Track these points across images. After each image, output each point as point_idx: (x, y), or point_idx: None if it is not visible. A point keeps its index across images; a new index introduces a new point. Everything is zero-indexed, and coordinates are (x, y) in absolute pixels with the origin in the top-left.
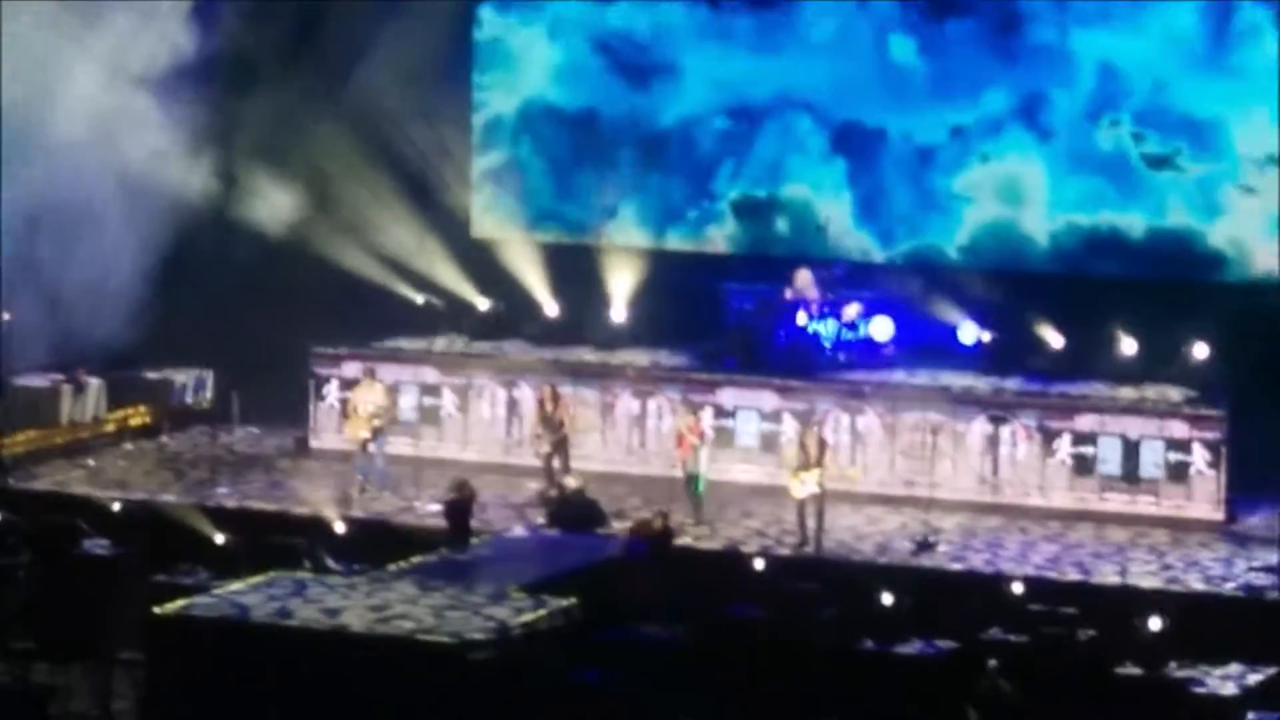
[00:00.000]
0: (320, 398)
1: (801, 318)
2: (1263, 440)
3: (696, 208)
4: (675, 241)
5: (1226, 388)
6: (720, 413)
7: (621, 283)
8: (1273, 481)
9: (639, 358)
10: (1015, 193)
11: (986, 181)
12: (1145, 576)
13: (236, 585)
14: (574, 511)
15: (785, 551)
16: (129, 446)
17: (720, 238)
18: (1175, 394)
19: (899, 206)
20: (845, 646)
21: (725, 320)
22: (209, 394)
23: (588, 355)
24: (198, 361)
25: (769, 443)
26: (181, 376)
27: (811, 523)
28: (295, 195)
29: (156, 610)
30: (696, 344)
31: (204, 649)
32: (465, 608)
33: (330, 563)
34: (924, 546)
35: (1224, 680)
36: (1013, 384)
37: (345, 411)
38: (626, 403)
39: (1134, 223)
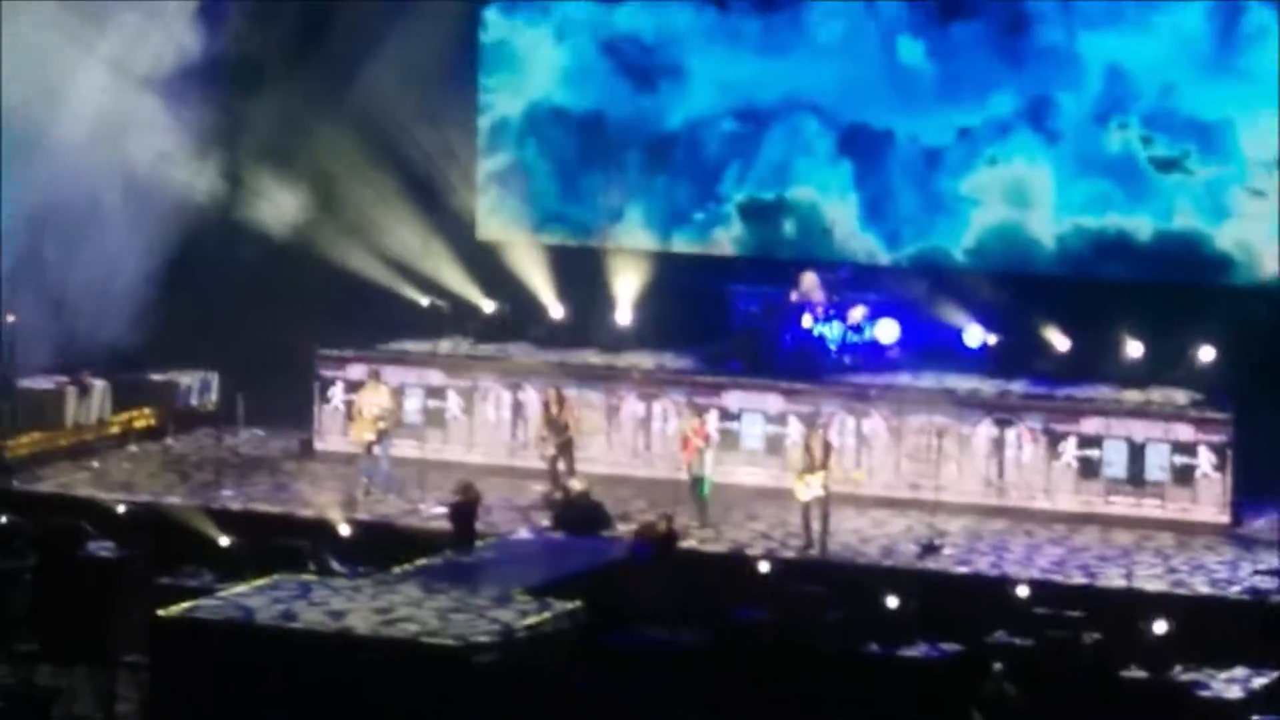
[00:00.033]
0: (325, 400)
1: (807, 320)
2: (1268, 443)
3: (703, 210)
4: (681, 244)
5: (1232, 391)
6: (725, 415)
7: (627, 285)
8: (1278, 485)
9: (644, 360)
10: (1022, 195)
11: (993, 184)
12: (1151, 579)
13: (241, 587)
14: (579, 514)
15: (790, 554)
16: (134, 449)
17: (727, 240)
18: (1181, 397)
19: (905, 209)
20: (850, 649)
21: (731, 323)
22: (214, 396)
23: (593, 358)
24: (203, 363)
25: (774, 445)
26: (186, 378)
27: (816, 525)
28: (300, 197)
29: (161, 612)
30: (702, 346)
31: (208, 651)
32: (470, 610)
33: (335, 565)
34: (929, 549)
35: (1229, 683)
36: (1018, 387)
37: (350, 414)
38: (632, 405)
39: (1141, 225)
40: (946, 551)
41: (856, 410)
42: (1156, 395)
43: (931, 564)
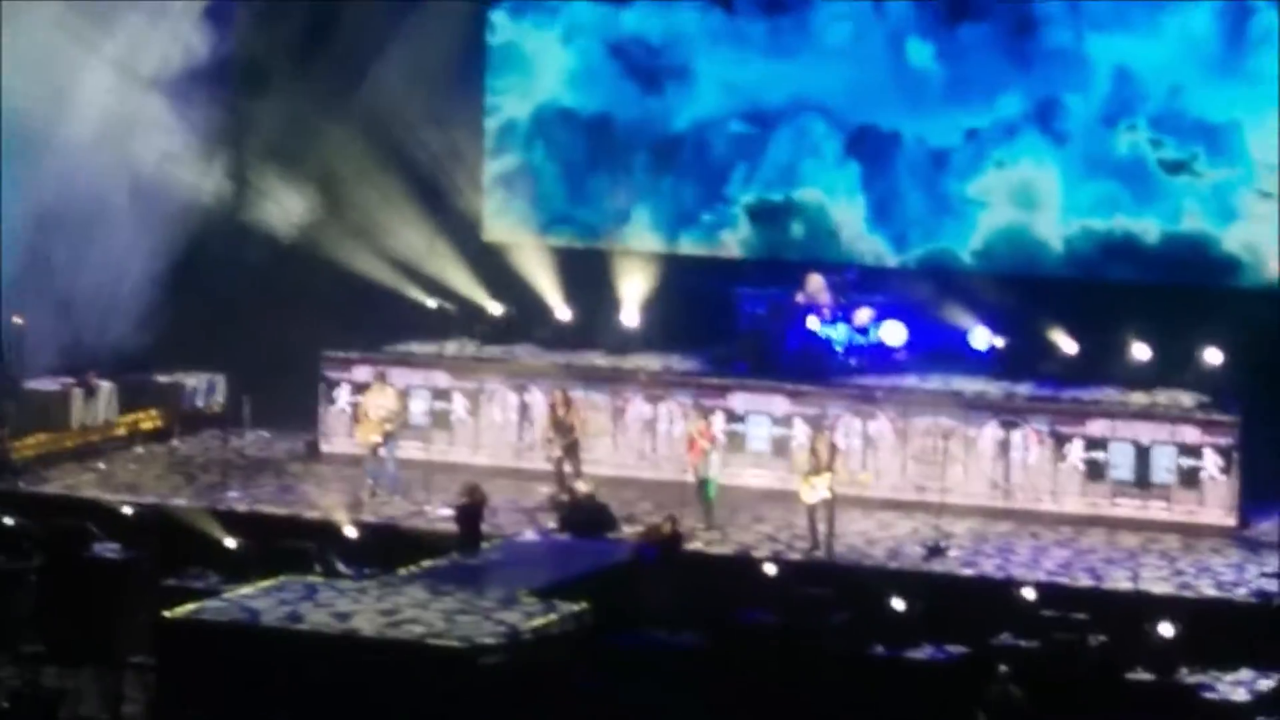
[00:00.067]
0: (331, 402)
1: (813, 322)
2: (1275, 446)
3: (710, 212)
4: (688, 246)
5: (1239, 393)
6: (731, 417)
7: (633, 287)
8: None
9: (650, 362)
10: (1029, 197)
11: (1001, 186)
12: (1157, 582)
13: (247, 589)
14: (585, 516)
15: (796, 556)
16: (140, 450)
17: (734, 242)
18: (1187, 399)
19: (913, 211)
20: (856, 651)
21: (737, 325)
22: (220, 398)
23: (599, 360)
24: (209, 365)
25: (780, 447)
26: (192, 380)
27: (822, 528)
28: (307, 198)
29: (167, 614)
30: (708, 348)
31: (214, 653)
32: (476, 612)
33: (341, 567)
34: (935, 552)
35: (1235, 686)
36: (1025, 389)
37: (356, 415)
38: (638, 407)
39: (1148, 228)
40: (952, 554)
41: (862, 412)
42: (1163, 398)
43: (937, 566)
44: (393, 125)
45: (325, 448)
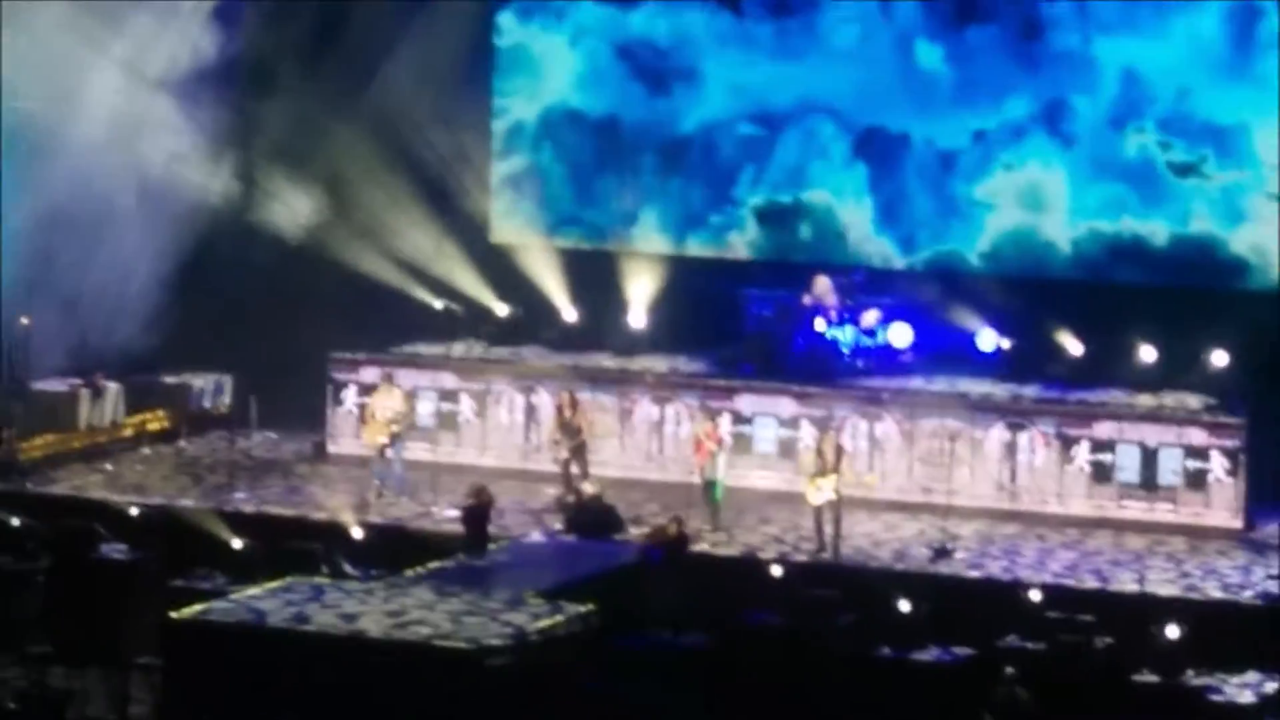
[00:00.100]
0: (338, 403)
1: (820, 324)
2: None
3: (717, 213)
4: (695, 247)
5: (1246, 395)
6: (738, 419)
7: (641, 288)
8: None
9: (658, 364)
10: (1037, 199)
11: (1008, 188)
12: (1163, 584)
13: (254, 590)
14: (592, 517)
15: (802, 558)
16: (147, 451)
17: (741, 243)
18: (1194, 401)
19: (920, 213)
20: (862, 653)
21: (744, 326)
22: (227, 399)
23: (606, 361)
24: (216, 366)
25: (787, 449)
26: (200, 381)
27: (828, 529)
28: (314, 199)
29: (174, 615)
30: (715, 350)
31: (221, 654)
32: (482, 613)
33: (347, 568)
34: (941, 553)
35: (1241, 688)
36: (1031, 391)
37: (363, 417)
38: (645, 409)
39: (1156, 230)
40: (958, 555)
41: (869, 414)
42: (1169, 400)
43: (944, 568)
44: (400, 126)
45: (332, 449)
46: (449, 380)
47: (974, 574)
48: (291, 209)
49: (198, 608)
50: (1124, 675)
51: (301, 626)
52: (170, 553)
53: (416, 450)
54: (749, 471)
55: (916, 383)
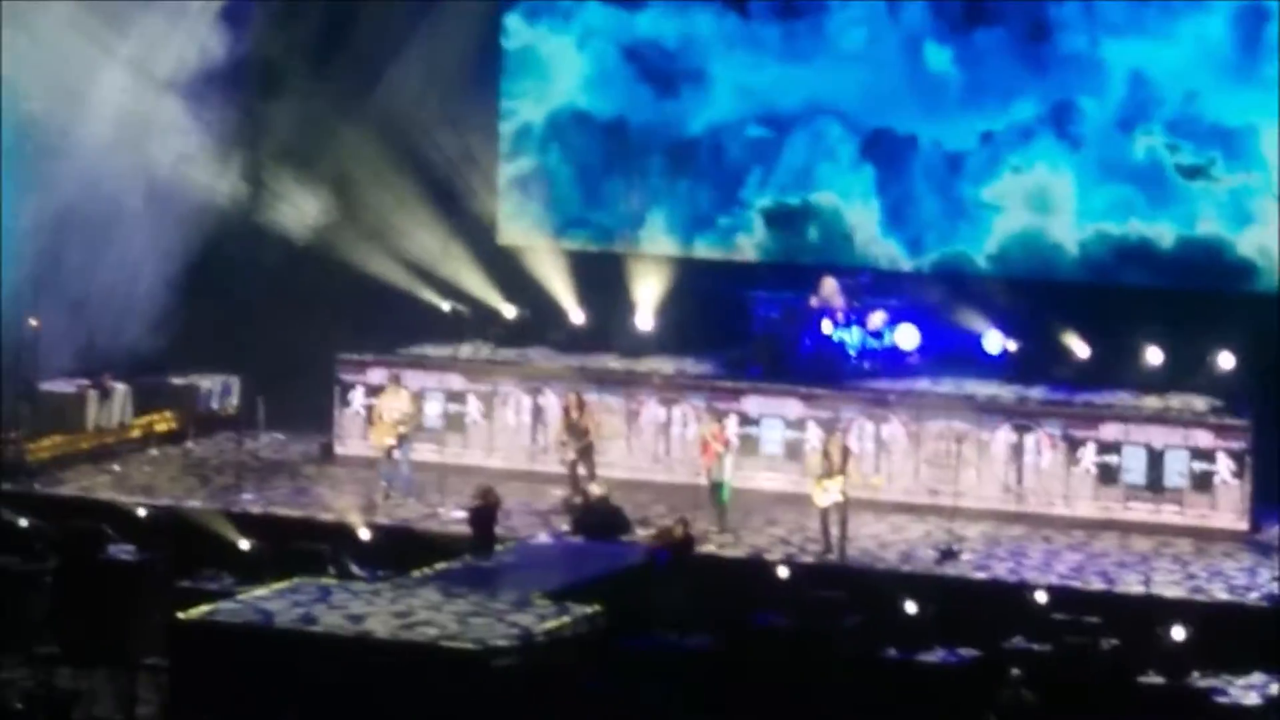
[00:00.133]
0: (345, 404)
1: (827, 326)
2: None
3: (725, 215)
4: (703, 249)
5: (1252, 398)
6: (745, 420)
7: (648, 290)
8: None
9: (664, 365)
10: (1044, 201)
11: (1016, 190)
12: (1169, 586)
13: (261, 591)
14: (598, 519)
15: (809, 559)
16: (154, 452)
17: (749, 245)
18: (1200, 403)
19: (927, 214)
20: (868, 654)
21: (751, 328)
22: (235, 400)
23: (613, 362)
24: (224, 367)
25: (793, 451)
26: (207, 382)
27: (835, 531)
28: (322, 200)
29: (181, 616)
30: (722, 352)
31: (228, 655)
32: (489, 614)
33: (354, 569)
34: (947, 555)
35: (1247, 690)
36: (1037, 393)
37: (370, 418)
38: (652, 410)
39: (1163, 232)
40: (965, 557)
41: (876, 415)
42: (1175, 401)
43: (950, 569)
44: (408, 128)
45: (339, 450)
46: (456, 382)
47: (980, 575)
48: (299, 210)
49: (205, 608)
50: (1130, 677)
51: (308, 627)
52: (178, 553)
53: (423, 451)
54: (756, 473)
55: (923, 384)
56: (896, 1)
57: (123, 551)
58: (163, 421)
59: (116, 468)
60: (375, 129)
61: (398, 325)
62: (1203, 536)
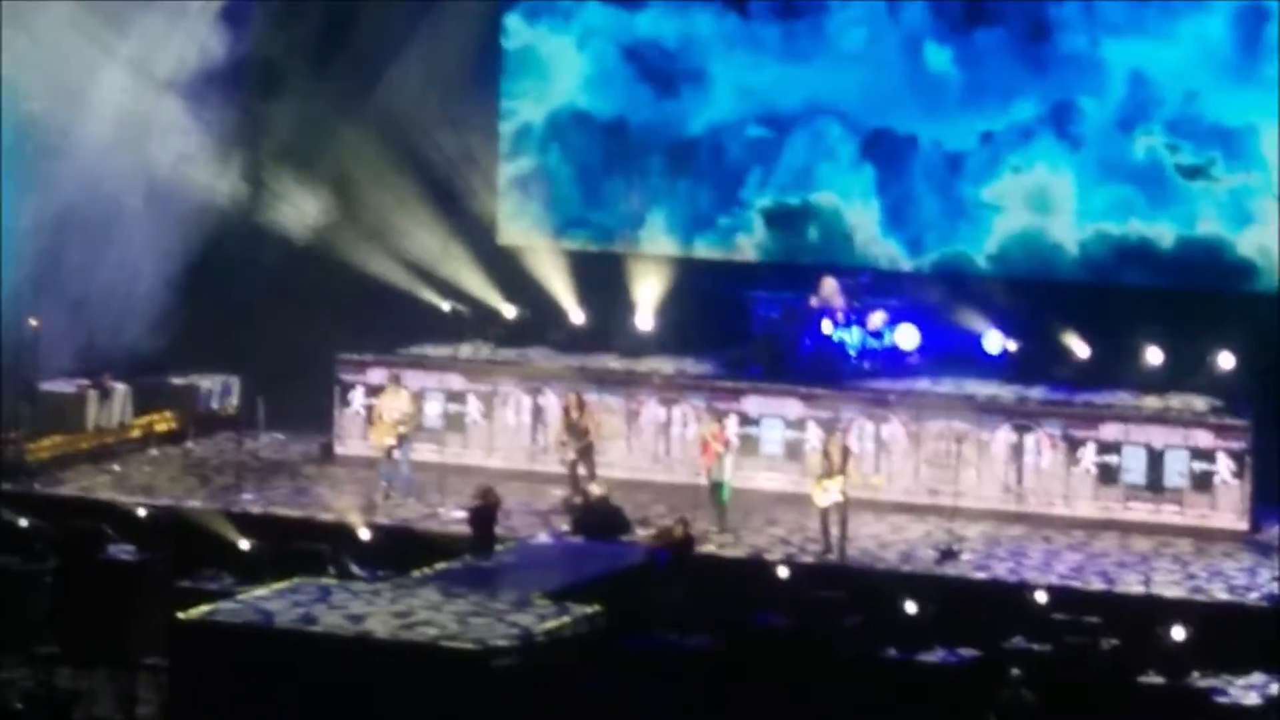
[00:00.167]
0: (345, 404)
1: (827, 326)
2: None
3: (725, 215)
4: (703, 249)
5: (1252, 398)
6: (745, 420)
7: (648, 290)
8: None
9: (664, 365)
10: (1044, 201)
11: (1016, 190)
12: (1169, 586)
13: (261, 591)
14: (598, 519)
15: (809, 559)
16: (154, 452)
17: (749, 245)
18: (1200, 403)
19: (928, 214)
20: (868, 654)
21: (751, 328)
22: (234, 400)
23: (613, 362)
24: (223, 367)
25: (794, 451)
26: (207, 382)
27: (835, 531)
28: (322, 200)
29: (181, 616)
30: (722, 352)
31: (228, 655)
32: (489, 614)
33: (355, 569)
34: (947, 555)
35: (1247, 690)
36: (1038, 393)
37: (370, 418)
38: (652, 410)
39: (1163, 232)
40: (965, 557)
41: (876, 416)
42: (1176, 402)
43: (950, 569)
44: (408, 128)
45: (339, 450)
46: (456, 381)
47: (980, 575)
48: (299, 210)
49: (205, 608)
50: (1130, 677)
51: (308, 627)
52: (178, 553)
53: (423, 451)
54: (756, 473)
55: (923, 384)
56: (896, 1)
57: (123, 551)
58: (163, 421)
59: (116, 468)
60: (375, 129)
61: (398, 325)
62: (1203, 536)
